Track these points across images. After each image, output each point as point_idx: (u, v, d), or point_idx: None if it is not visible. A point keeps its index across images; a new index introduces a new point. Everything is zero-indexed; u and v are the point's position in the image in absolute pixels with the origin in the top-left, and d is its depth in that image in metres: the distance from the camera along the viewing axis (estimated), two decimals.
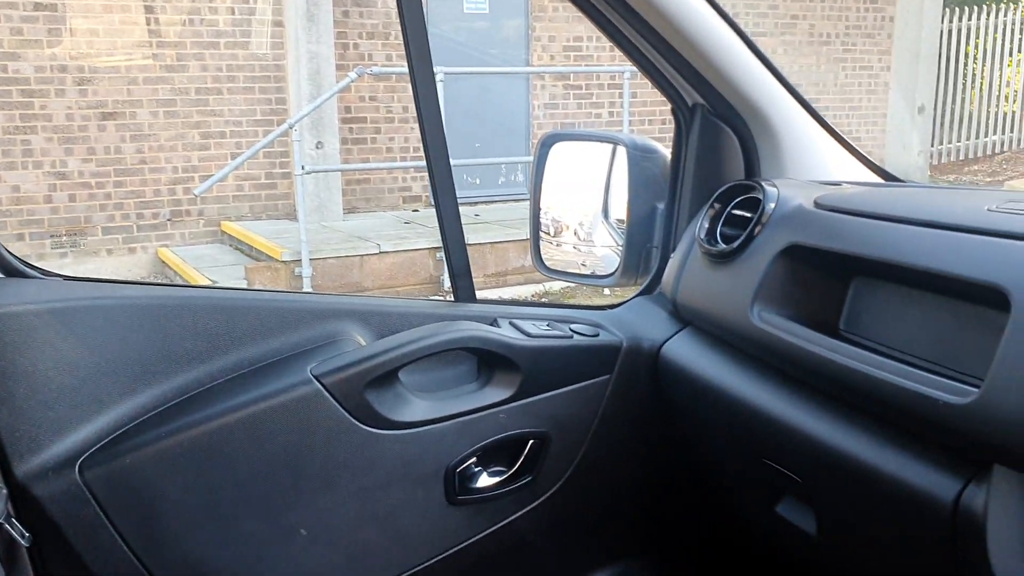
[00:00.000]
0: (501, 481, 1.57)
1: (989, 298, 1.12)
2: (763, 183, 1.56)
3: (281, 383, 1.44)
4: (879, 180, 1.83)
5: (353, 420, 1.44)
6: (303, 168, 7.79)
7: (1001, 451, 1.05)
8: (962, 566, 1.12)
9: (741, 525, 1.66)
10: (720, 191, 1.63)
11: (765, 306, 1.45)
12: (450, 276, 1.64)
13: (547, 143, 1.98)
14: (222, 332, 1.48)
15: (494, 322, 1.62)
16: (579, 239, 2.06)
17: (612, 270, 1.91)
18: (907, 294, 1.33)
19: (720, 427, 1.55)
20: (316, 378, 1.43)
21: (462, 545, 1.55)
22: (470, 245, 7.93)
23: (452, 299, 1.68)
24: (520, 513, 1.60)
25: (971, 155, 14.42)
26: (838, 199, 1.46)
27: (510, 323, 1.61)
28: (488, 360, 1.56)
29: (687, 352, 1.63)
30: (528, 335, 1.57)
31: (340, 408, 1.43)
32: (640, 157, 1.85)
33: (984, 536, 1.06)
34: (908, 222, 1.29)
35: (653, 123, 11.12)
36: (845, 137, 1.83)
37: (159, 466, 1.41)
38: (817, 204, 1.47)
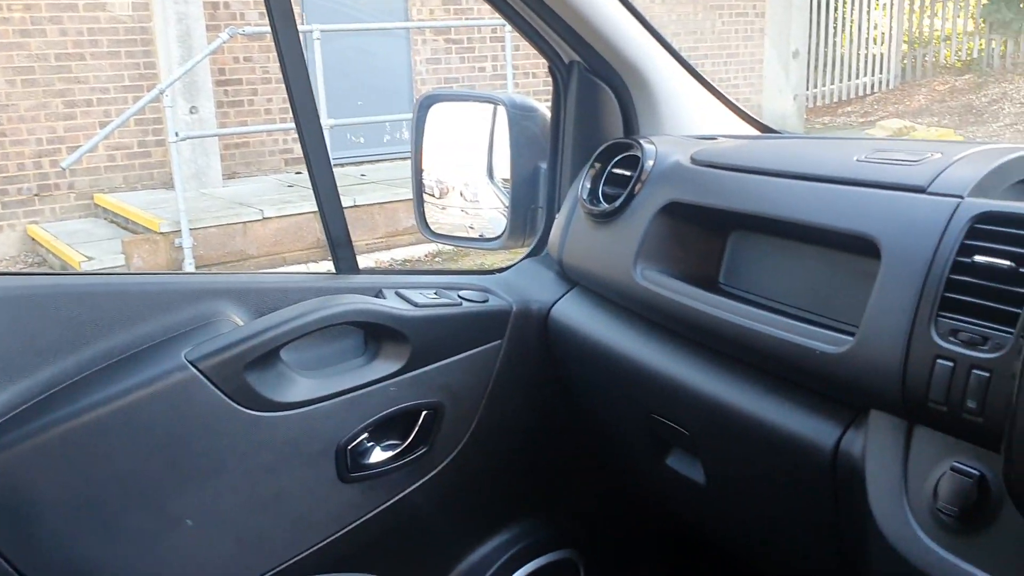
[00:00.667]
0: (395, 455, 1.54)
1: (861, 247, 1.14)
2: (641, 141, 1.56)
3: (155, 370, 1.37)
4: (755, 132, 1.86)
5: (234, 404, 1.39)
6: (177, 135, 7.47)
7: (876, 396, 1.09)
8: (843, 509, 1.15)
9: (634, 479, 1.68)
10: (600, 150, 1.62)
11: (647, 264, 1.46)
12: (330, 247, 1.59)
13: (425, 104, 1.94)
14: (88, 320, 1.39)
15: (379, 293, 1.58)
16: (465, 201, 2.04)
17: (499, 232, 1.89)
18: (783, 246, 1.36)
19: (609, 385, 1.56)
20: (191, 363, 1.37)
21: (358, 522, 1.53)
22: (358, 207, 7.78)
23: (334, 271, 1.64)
24: (416, 485, 1.58)
25: (844, 97, 14.93)
26: (714, 154, 1.47)
27: (396, 293, 1.58)
28: (374, 333, 1.53)
29: (575, 313, 1.63)
30: (415, 305, 1.54)
31: (219, 393, 1.37)
32: (520, 116, 1.82)
33: (863, 479, 1.09)
34: (781, 175, 1.31)
35: (538, 75, 11.09)
36: (720, 91, 1.84)
37: (28, 466, 1.33)
38: (694, 160, 1.47)
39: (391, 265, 7.80)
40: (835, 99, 14.89)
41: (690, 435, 1.39)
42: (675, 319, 1.39)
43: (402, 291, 1.58)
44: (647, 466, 1.56)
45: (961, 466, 0.99)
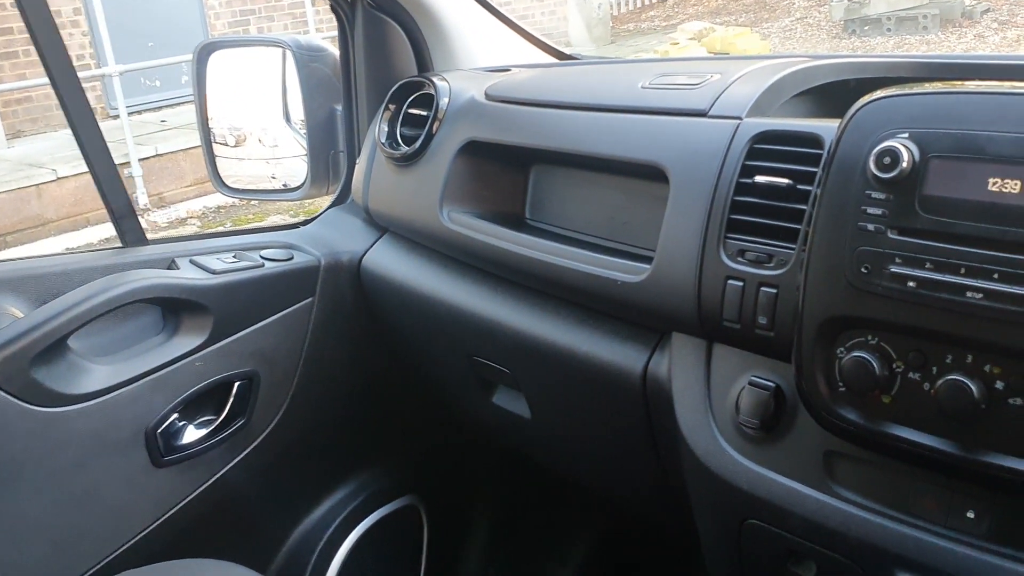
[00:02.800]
0: (211, 431, 1.47)
1: (654, 174, 1.16)
2: (434, 78, 1.52)
3: None
4: (551, 59, 1.84)
5: (23, 404, 1.28)
6: None
7: (675, 319, 1.12)
8: (657, 429, 1.19)
9: (464, 420, 1.69)
10: (392, 90, 1.57)
11: (453, 206, 1.43)
12: (111, 219, 1.47)
13: (204, 53, 1.81)
14: None
15: (172, 264, 1.48)
16: (265, 148, 1.94)
17: (303, 181, 1.82)
18: (582, 177, 1.37)
19: (429, 331, 1.54)
20: None
21: (180, 505, 1.46)
22: (162, 156, 7.30)
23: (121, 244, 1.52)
24: (239, 458, 1.52)
25: (647, 2, 15.23)
26: (507, 88, 1.45)
27: (190, 262, 1.49)
28: (171, 307, 1.44)
29: (387, 261, 1.59)
30: (213, 272, 1.46)
31: (4, 394, 1.26)
32: (308, 58, 1.73)
33: (671, 399, 1.13)
34: (572, 107, 1.30)
35: None
36: (513, 20, 1.81)
37: None
38: (488, 96, 1.45)
39: (203, 214, 7.44)
40: (638, 5, 15.17)
41: (511, 373, 1.40)
42: (486, 260, 1.38)
43: (197, 258, 1.49)
44: (474, 406, 1.57)
45: (758, 379, 1.04)
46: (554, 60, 1.84)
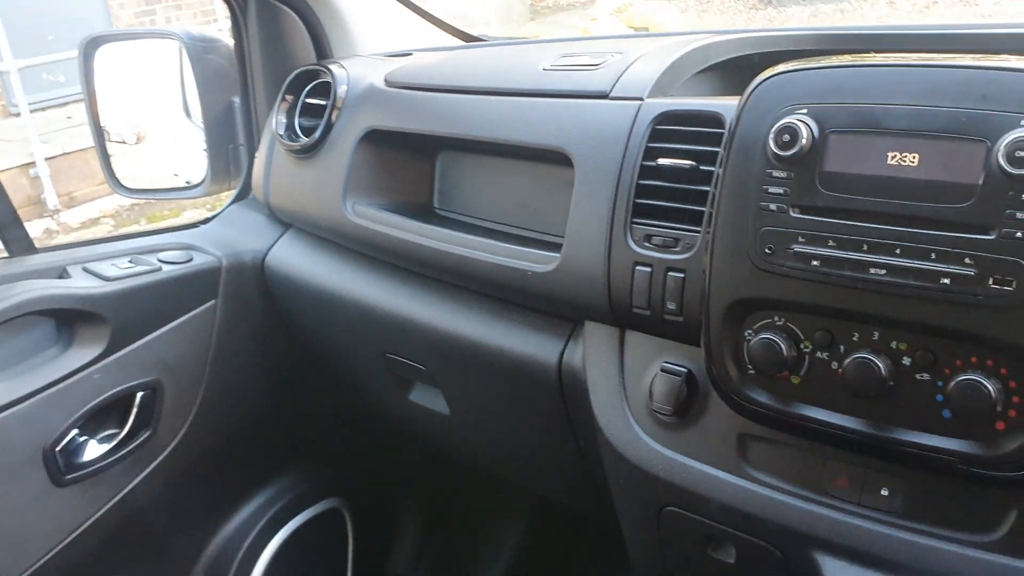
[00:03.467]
0: (115, 446, 1.40)
1: (560, 158, 1.13)
2: (331, 66, 1.46)
3: None
4: (456, 41, 1.80)
5: None
6: None
7: (587, 308, 1.09)
8: (575, 419, 1.17)
9: (383, 419, 1.64)
10: (288, 80, 1.51)
11: (357, 198, 1.38)
12: None
13: (91, 47, 1.72)
14: None
15: (63, 272, 1.40)
16: (166, 144, 1.86)
17: (204, 177, 1.74)
18: (489, 163, 1.33)
19: (339, 330, 1.50)
20: None
21: (84, 526, 1.39)
22: (69, 154, 7.01)
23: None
24: (147, 471, 1.45)
25: None
26: (408, 74, 1.40)
27: (83, 269, 1.41)
28: (65, 319, 1.36)
29: (291, 258, 1.53)
30: (107, 279, 1.38)
31: None
32: (201, 50, 1.66)
33: (586, 388, 1.11)
34: (474, 92, 1.26)
35: None
36: (414, 3, 1.76)
37: None
38: (388, 82, 1.40)
39: (117, 212, 7.19)
40: None
41: (427, 369, 1.36)
42: (393, 253, 1.34)
43: (90, 265, 1.42)
44: (392, 404, 1.53)
45: (670, 365, 1.02)
46: (459, 42, 1.80)
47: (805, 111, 0.85)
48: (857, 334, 0.85)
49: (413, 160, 1.39)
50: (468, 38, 1.82)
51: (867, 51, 1.21)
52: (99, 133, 1.76)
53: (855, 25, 1.25)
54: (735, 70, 1.22)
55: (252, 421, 1.62)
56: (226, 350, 1.52)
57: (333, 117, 1.42)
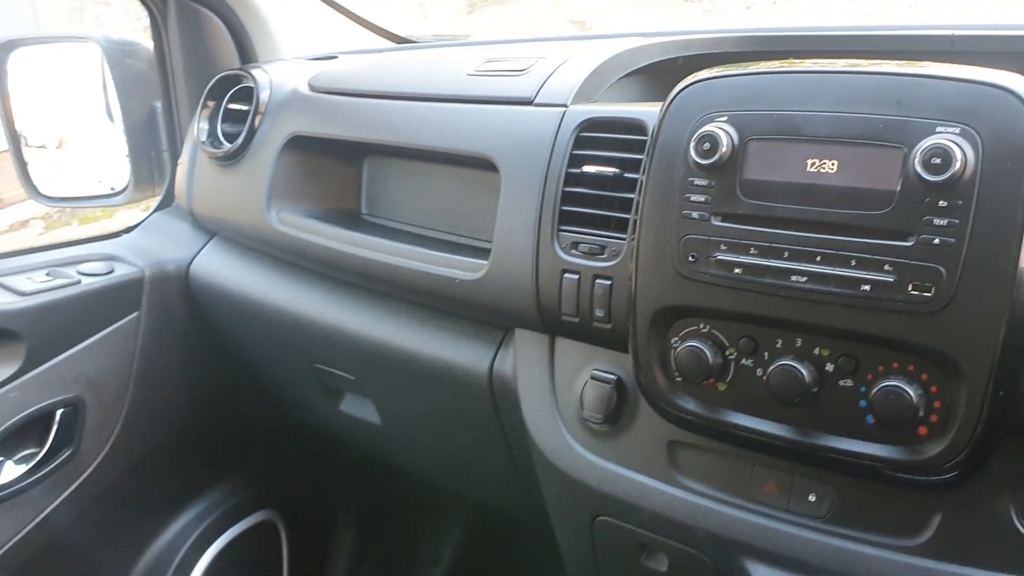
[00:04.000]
0: (34, 466, 1.35)
1: (487, 164, 1.11)
2: (253, 71, 1.42)
3: None
4: (385, 42, 1.77)
5: None
6: None
7: (516, 316, 1.08)
8: (507, 428, 1.16)
9: (314, 429, 1.61)
10: (210, 86, 1.46)
11: (282, 205, 1.35)
12: None
13: (3, 51, 1.65)
14: None
15: None
16: (88, 150, 1.80)
17: (127, 184, 1.69)
18: (417, 168, 1.31)
19: (267, 340, 1.46)
20: None
21: (4, 549, 1.33)
22: None
23: None
24: (69, 492, 1.40)
25: None
26: (332, 78, 1.37)
27: None
28: None
29: (217, 267, 1.49)
30: (23, 294, 1.33)
31: None
32: (120, 54, 1.61)
33: (517, 396, 1.09)
34: (398, 97, 1.24)
35: None
36: (342, 4, 1.73)
37: None
38: (312, 87, 1.37)
39: (48, 215, 6.98)
40: None
41: (357, 379, 1.33)
42: (320, 262, 1.31)
43: (4, 279, 1.36)
44: (322, 414, 1.50)
45: (600, 373, 1.01)
46: (387, 44, 1.77)
47: (725, 118, 0.85)
48: (780, 340, 0.85)
49: (339, 166, 1.37)
50: (396, 39, 1.80)
51: (788, 53, 1.21)
52: (15, 139, 1.69)
53: (775, 27, 1.25)
54: (659, 73, 1.22)
55: (180, 434, 1.58)
56: (151, 363, 1.47)
57: (256, 123, 1.39)
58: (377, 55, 1.53)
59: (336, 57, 1.54)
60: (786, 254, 0.82)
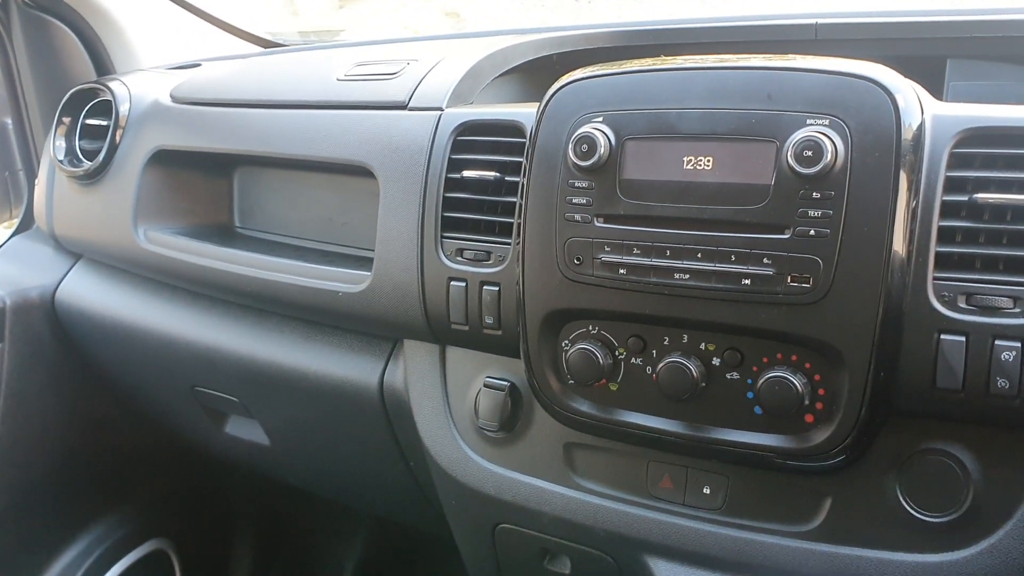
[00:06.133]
0: None
1: (362, 171, 1.08)
2: (110, 83, 1.35)
3: None
4: (251, 47, 1.71)
5: None
6: None
7: (404, 327, 1.05)
8: (402, 440, 1.13)
9: (199, 453, 1.54)
10: (64, 102, 1.38)
11: (150, 223, 1.29)
12: None
13: None
14: None
15: None
16: None
17: None
18: (291, 177, 1.26)
19: (142, 364, 1.39)
20: None
21: None
22: None
23: None
24: None
25: None
26: (195, 88, 1.31)
27: None
28: None
29: (84, 291, 1.41)
30: None
31: None
32: None
33: (410, 408, 1.07)
34: (266, 105, 1.19)
35: None
36: (204, 10, 1.66)
37: None
38: (175, 98, 1.30)
39: None
40: None
41: (240, 401, 1.28)
42: (193, 281, 1.25)
43: None
44: (207, 438, 1.44)
45: (493, 380, 1.00)
46: (253, 48, 1.71)
47: (601, 119, 0.85)
48: (667, 338, 0.85)
49: (208, 178, 1.31)
50: (262, 43, 1.74)
51: (659, 47, 1.22)
52: None
53: (648, 20, 1.26)
54: (535, 71, 1.21)
55: (57, 467, 1.49)
56: (18, 396, 1.38)
57: (117, 138, 1.31)
58: (242, 61, 1.47)
59: (199, 65, 1.47)
60: (668, 252, 0.82)
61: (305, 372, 1.16)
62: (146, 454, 1.62)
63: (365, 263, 1.08)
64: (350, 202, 1.20)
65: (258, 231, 1.31)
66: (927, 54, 1.10)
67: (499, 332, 0.97)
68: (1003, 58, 1.06)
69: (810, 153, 0.75)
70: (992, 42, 1.06)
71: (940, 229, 0.76)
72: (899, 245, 0.75)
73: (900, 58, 1.13)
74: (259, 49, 1.71)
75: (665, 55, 0.92)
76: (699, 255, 0.81)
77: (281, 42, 1.76)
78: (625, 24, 1.27)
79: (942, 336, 0.76)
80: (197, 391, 1.32)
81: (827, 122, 0.76)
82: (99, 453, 1.55)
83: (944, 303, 0.76)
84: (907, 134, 0.75)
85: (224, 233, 1.30)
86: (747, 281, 0.79)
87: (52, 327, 1.43)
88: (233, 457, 1.47)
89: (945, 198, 0.77)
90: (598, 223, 0.85)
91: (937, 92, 1.09)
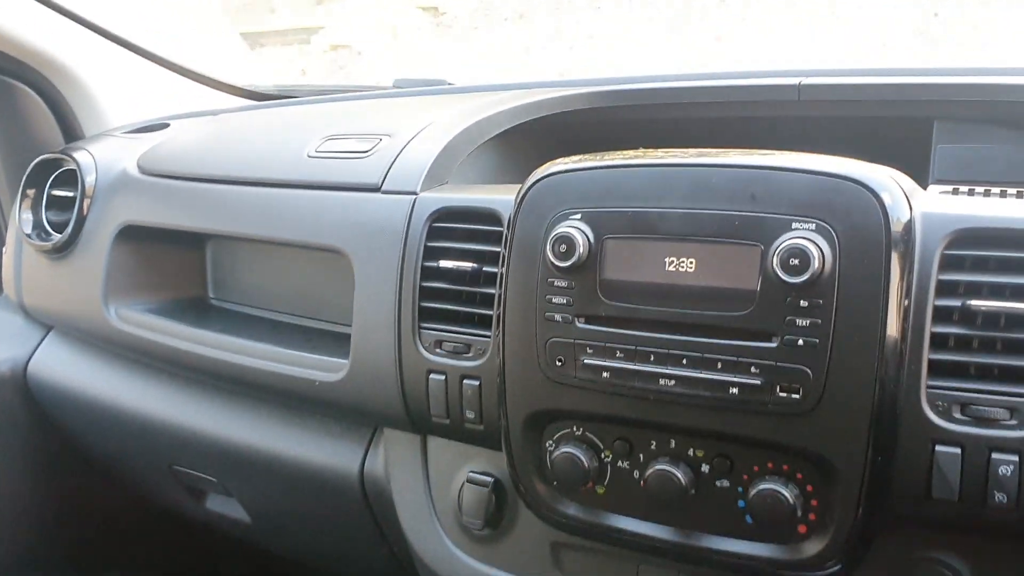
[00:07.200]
0: None
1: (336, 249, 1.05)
2: (74, 153, 1.31)
3: None
4: (226, 99, 1.67)
5: None
6: None
7: (383, 416, 1.02)
8: (384, 529, 1.10)
9: (181, 529, 1.50)
10: (28, 172, 1.34)
11: (121, 301, 1.25)
12: None
13: None
14: None
15: None
16: None
17: None
18: (265, 250, 1.23)
19: (120, 441, 1.35)
20: None
21: None
22: None
23: None
24: None
25: None
26: (163, 158, 1.27)
27: None
28: None
29: (57, 365, 1.37)
30: None
31: None
32: None
33: (392, 499, 1.04)
34: (235, 182, 1.15)
35: None
36: (182, 64, 1.62)
37: None
38: (142, 168, 1.27)
39: None
40: None
41: (219, 481, 1.25)
42: (167, 362, 1.21)
43: None
44: (189, 514, 1.40)
45: (476, 475, 0.97)
46: (227, 98, 1.67)
47: (579, 216, 0.82)
48: (655, 442, 0.82)
49: (179, 251, 1.27)
50: (233, 90, 1.69)
51: (638, 107, 1.19)
52: None
53: (627, 77, 1.23)
54: (513, 137, 1.17)
55: (34, 543, 1.45)
56: None
57: (85, 209, 1.28)
58: (212, 122, 1.43)
59: (168, 125, 1.43)
60: (652, 357, 0.79)
61: (283, 457, 1.13)
62: (126, 524, 1.58)
63: (344, 342, 1.04)
64: (326, 276, 1.16)
65: (234, 303, 1.27)
66: (913, 115, 1.07)
67: (481, 427, 0.93)
68: (992, 120, 1.04)
69: (797, 261, 0.72)
70: (980, 105, 1.03)
71: (933, 335, 0.74)
72: (891, 353, 0.72)
73: (885, 119, 1.10)
74: (233, 100, 1.67)
75: (644, 148, 0.89)
76: (684, 361, 0.78)
77: (255, 90, 1.72)
78: (605, 82, 1.23)
79: (937, 447, 0.73)
80: (175, 469, 1.29)
81: (813, 226, 0.73)
82: (78, 526, 1.51)
83: (938, 413, 0.73)
84: (896, 237, 0.72)
85: (198, 307, 1.27)
86: (735, 390, 0.76)
87: (25, 401, 1.39)
88: (214, 532, 1.44)
89: (937, 302, 0.74)
90: (579, 324, 0.82)
91: (924, 154, 1.06)
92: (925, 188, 1.04)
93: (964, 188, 0.88)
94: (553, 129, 1.18)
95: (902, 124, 1.09)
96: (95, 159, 1.29)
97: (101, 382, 1.31)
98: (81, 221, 1.27)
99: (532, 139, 1.17)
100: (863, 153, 1.13)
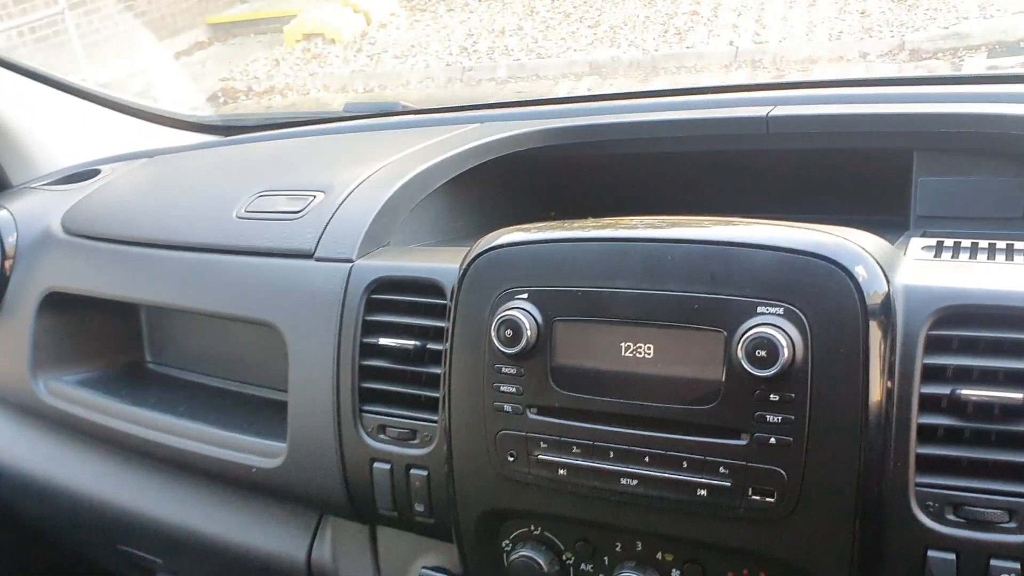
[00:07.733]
0: None
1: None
2: None
3: None
4: (179, 135, 1.56)
5: None
6: None
7: (326, 504, 0.94)
8: None
9: None
10: None
11: (51, 373, 1.16)
12: None
13: None
14: None
15: None
16: None
17: None
18: (198, 316, 1.14)
19: (60, 520, 1.26)
20: None
21: None
22: None
23: None
24: None
25: None
26: (88, 215, 1.18)
27: None
28: None
29: None
30: None
31: None
32: None
33: None
34: (162, 246, 1.06)
35: None
36: (127, 101, 1.51)
37: None
38: (67, 228, 1.17)
39: None
40: None
41: (166, 564, 1.16)
42: (102, 439, 1.13)
43: None
44: None
45: (429, 572, 0.89)
46: (166, 131, 1.56)
47: (526, 296, 0.73)
48: (619, 544, 0.75)
49: (112, 318, 1.18)
50: (178, 124, 1.59)
51: (593, 144, 1.10)
52: None
53: (582, 110, 1.14)
54: (464, 177, 1.08)
55: None
56: None
57: (7, 271, 1.19)
58: (145, 167, 1.33)
59: (98, 172, 1.33)
60: (612, 454, 0.71)
61: (228, 543, 1.04)
62: None
63: (283, 413, 0.95)
64: (266, 344, 1.07)
65: (172, 367, 1.19)
66: (891, 146, 0.99)
67: (431, 521, 0.85)
68: (974, 151, 0.96)
69: (764, 353, 0.64)
70: (963, 136, 0.95)
71: (920, 427, 0.66)
72: (874, 450, 0.65)
73: (861, 151, 1.02)
74: (173, 133, 1.56)
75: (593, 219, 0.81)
76: (647, 459, 0.70)
77: (198, 122, 1.62)
78: (557, 119, 1.14)
79: (929, 552, 0.65)
80: (121, 549, 1.20)
81: (781, 311, 0.65)
82: None
83: (929, 514, 0.65)
84: (874, 317, 0.64)
85: (135, 374, 1.18)
86: (703, 492, 0.68)
87: None
88: None
89: (923, 390, 0.66)
90: (531, 415, 0.74)
91: (904, 186, 0.98)
92: (907, 227, 0.97)
93: (949, 242, 0.80)
94: (508, 166, 1.09)
95: (879, 156, 1.01)
96: (15, 218, 1.20)
97: (37, 458, 1.22)
98: (4, 284, 1.18)
99: (484, 179, 1.08)
100: (838, 186, 1.06)
